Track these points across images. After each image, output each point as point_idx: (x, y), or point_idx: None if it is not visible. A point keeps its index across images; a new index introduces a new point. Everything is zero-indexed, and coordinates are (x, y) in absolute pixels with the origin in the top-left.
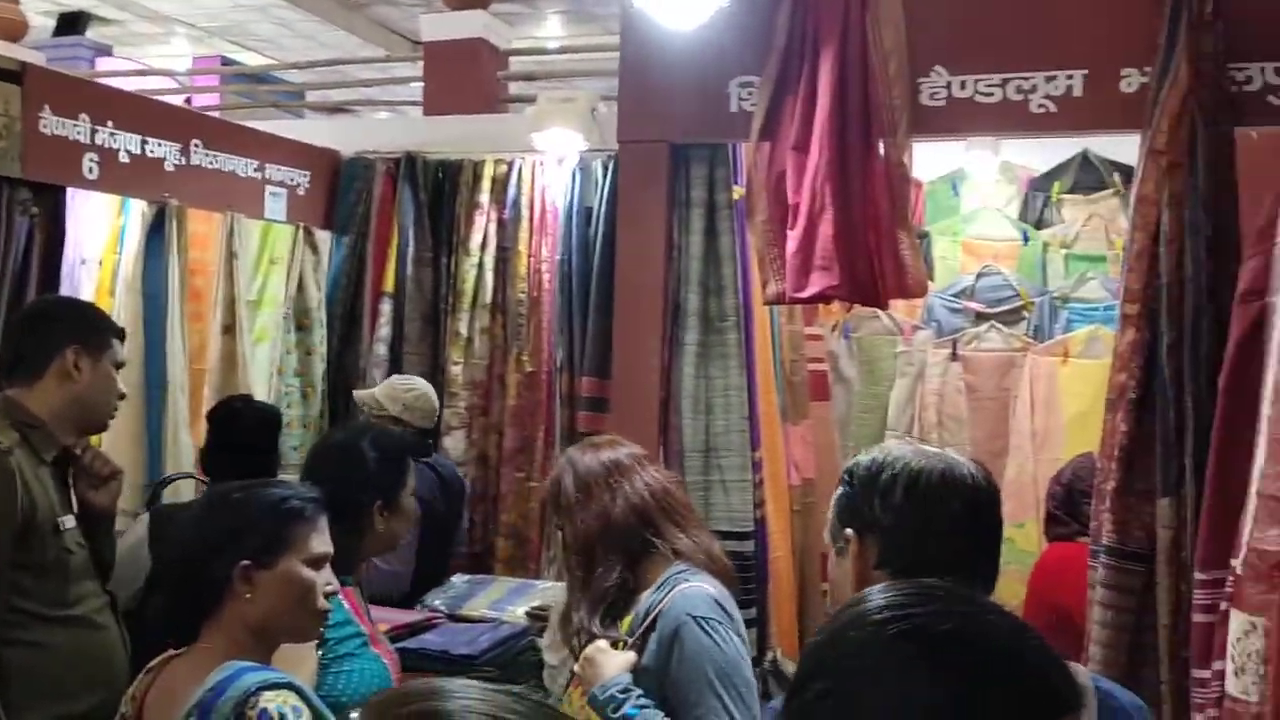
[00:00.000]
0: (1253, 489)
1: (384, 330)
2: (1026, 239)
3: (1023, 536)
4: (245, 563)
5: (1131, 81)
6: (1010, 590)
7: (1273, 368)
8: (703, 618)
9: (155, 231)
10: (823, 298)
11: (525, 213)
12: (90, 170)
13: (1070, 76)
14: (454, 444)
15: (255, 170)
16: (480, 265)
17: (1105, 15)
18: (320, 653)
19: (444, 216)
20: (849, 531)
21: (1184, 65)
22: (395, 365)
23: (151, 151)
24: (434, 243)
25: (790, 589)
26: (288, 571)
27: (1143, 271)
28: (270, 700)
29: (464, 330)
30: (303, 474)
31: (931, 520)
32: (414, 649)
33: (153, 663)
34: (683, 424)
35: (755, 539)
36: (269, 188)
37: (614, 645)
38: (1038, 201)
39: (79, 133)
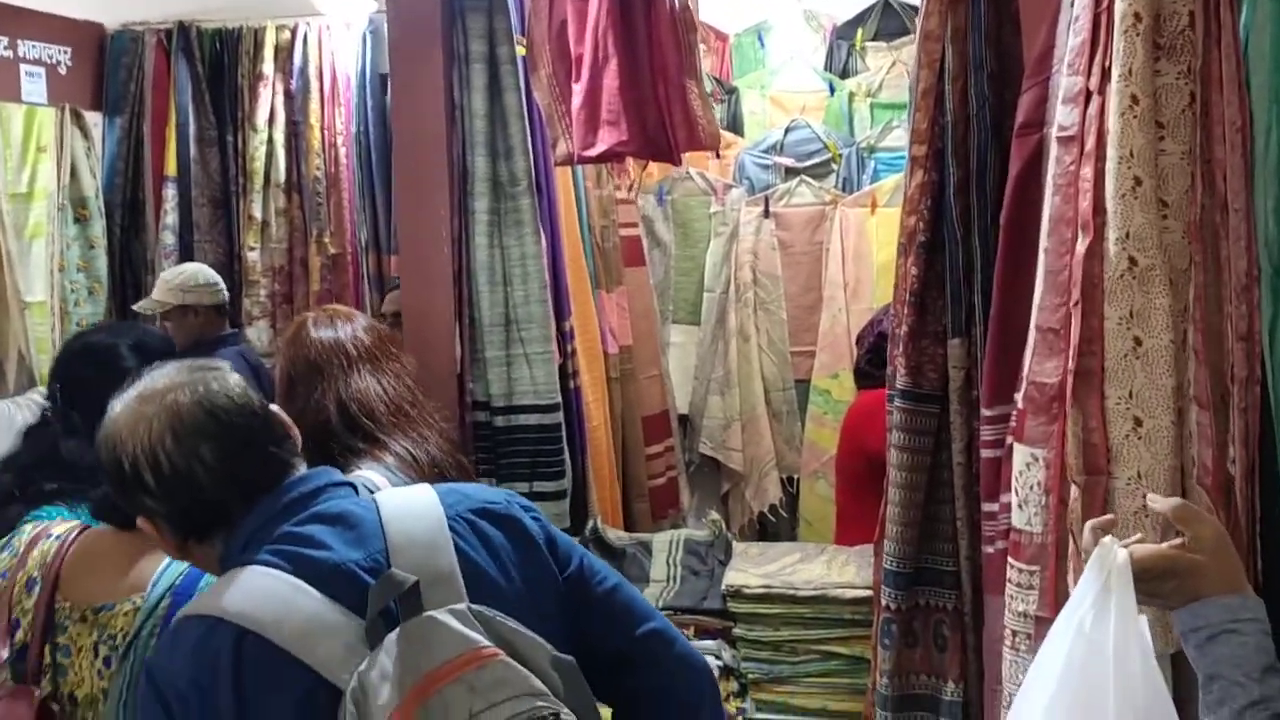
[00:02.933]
0: (1032, 323)
1: (170, 218)
2: (832, 90)
3: (838, 387)
4: None
5: None
6: (828, 440)
7: (1050, 200)
8: None
9: None
10: (613, 155)
11: (314, 83)
12: None
13: None
14: (257, 335)
15: (5, 49)
16: (270, 142)
17: None
18: None
19: (225, 90)
20: (141, 520)
21: None
22: (186, 254)
23: None
24: (217, 120)
25: (609, 457)
26: None
27: (928, 110)
28: None
29: (258, 213)
30: (52, 379)
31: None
32: None
33: (54, 532)
34: (479, 297)
35: (569, 409)
36: (25, 67)
37: None
38: (842, 51)
39: None
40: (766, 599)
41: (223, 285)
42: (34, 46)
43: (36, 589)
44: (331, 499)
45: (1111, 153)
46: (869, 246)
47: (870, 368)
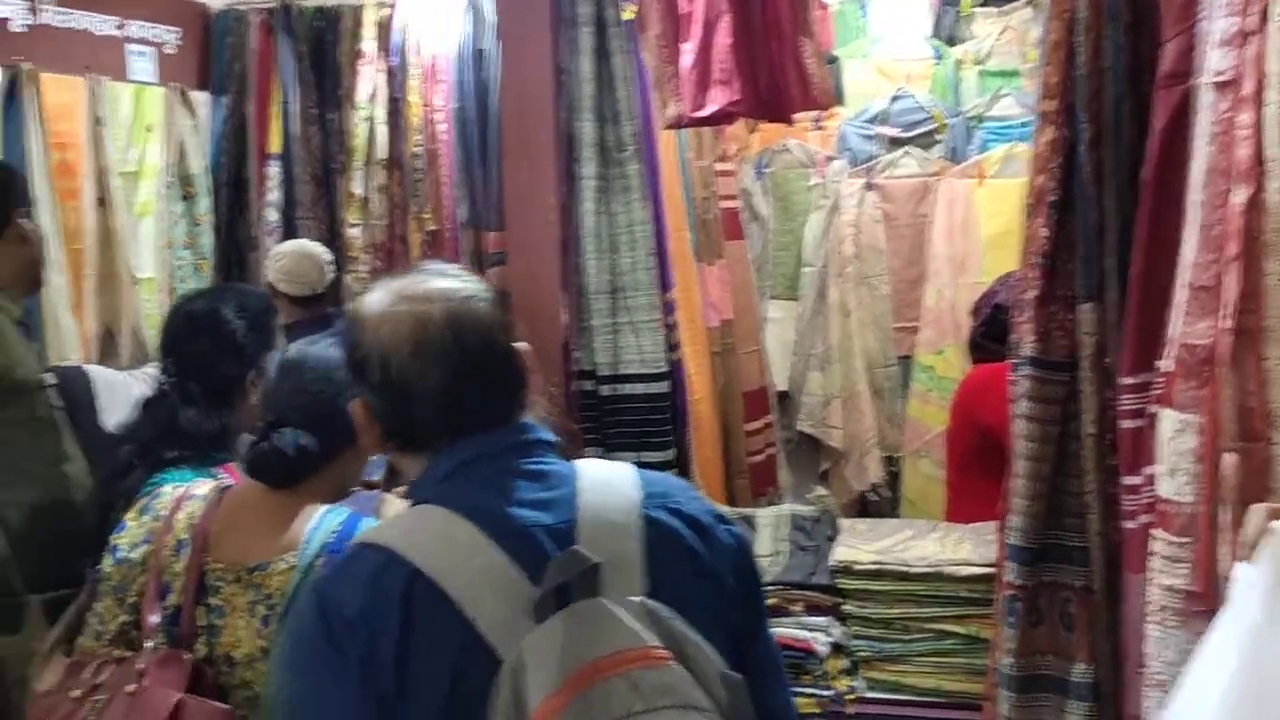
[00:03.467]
0: (1180, 282)
1: (273, 195)
2: (939, 57)
3: (943, 363)
4: None
5: None
6: (933, 417)
7: (1201, 152)
8: None
9: (9, 101)
10: (724, 115)
11: (413, 60)
12: None
13: None
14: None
15: (115, 28)
16: (371, 119)
17: None
18: None
19: (327, 69)
20: (355, 400)
21: None
22: (288, 231)
23: None
24: (319, 98)
25: (713, 431)
26: None
27: (1060, 63)
28: None
29: (359, 190)
30: (162, 348)
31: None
32: None
33: (197, 492)
34: (586, 264)
35: (671, 380)
36: (132, 46)
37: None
38: (948, 17)
39: None
40: (878, 575)
41: (324, 280)
42: (142, 26)
43: (185, 551)
44: (538, 457)
45: (1272, 96)
46: (976, 219)
47: (985, 340)
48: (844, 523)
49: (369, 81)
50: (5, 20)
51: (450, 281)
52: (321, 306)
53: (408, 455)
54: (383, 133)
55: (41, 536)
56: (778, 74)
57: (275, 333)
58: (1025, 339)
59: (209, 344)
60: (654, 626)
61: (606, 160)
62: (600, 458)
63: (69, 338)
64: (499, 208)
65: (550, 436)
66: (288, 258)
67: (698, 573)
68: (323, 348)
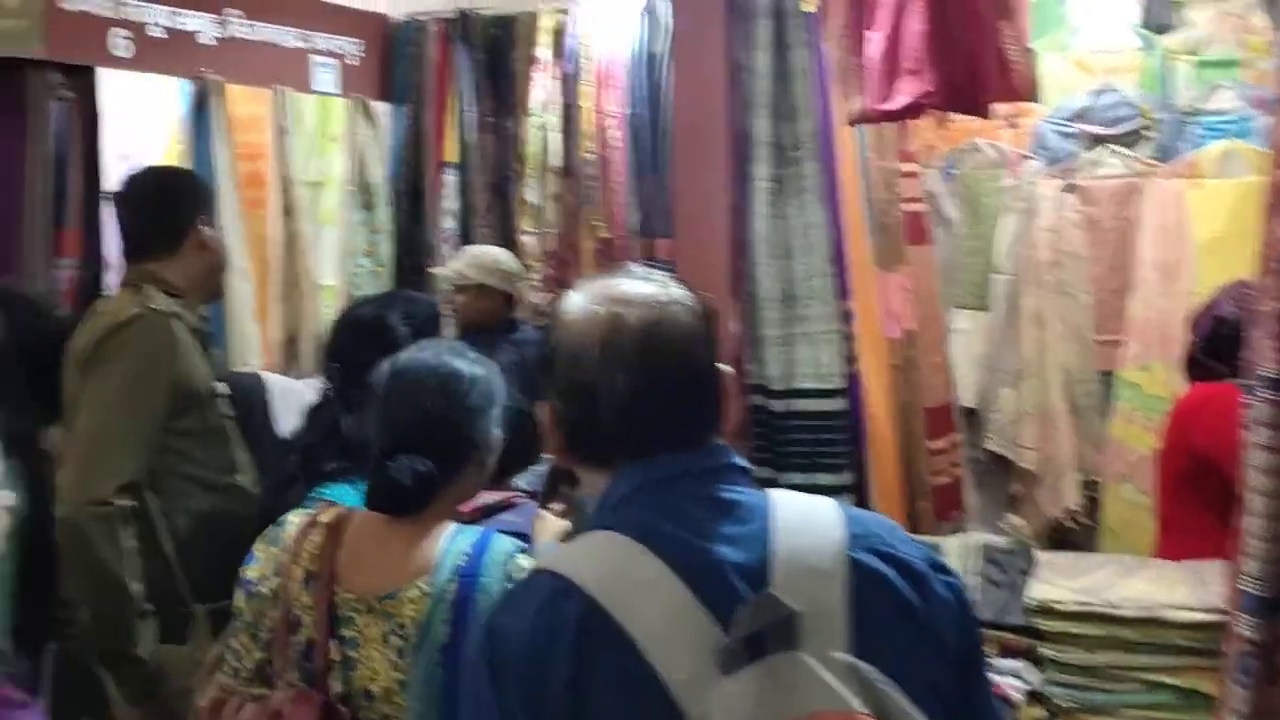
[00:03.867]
0: None
1: (449, 203)
2: (1147, 48)
3: (1149, 380)
4: (496, 430)
5: None
6: (1138, 439)
7: None
8: None
9: (198, 112)
10: (914, 108)
11: (587, 65)
12: (119, 47)
13: None
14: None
15: (300, 40)
16: (544, 126)
17: None
18: None
19: (502, 77)
20: (544, 402)
21: None
22: (465, 239)
23: (184, 25)
24: (495, 106)
25: (893, 450)
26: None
27: None
28: (527, 563)
29: (533, 197)
30: (329, 353)
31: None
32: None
33: (322, 520)
34: (758, 270)
35: (848, 397)
36: (316, 58)
37: (564, 513)
38: (1158, 4)
39: (104, 6)
40: (1081, 617)
41: (523, 275)
42: (326, 39)
43: (314, 583)
44: (729, 485)
45: None
46: (1188, 222)
47: (1205, 357)
48: (1042, 556)
49: (543, 88)
50: (194, 34)
51: (653, 287)
52: (504, 315)
53: (589, 469)
54: (556, 140)
55: (209, 547)
56: (974, 62)
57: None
58: (1265, 357)
59: (374, 351)
60: (859, 690)
61: (781, 159)
62: (770, 479)
63: (252, 344)
64: (670, 214)
65: (744, 463)
66: (491, 255)
67: (910, 629)
68: (434, 354)
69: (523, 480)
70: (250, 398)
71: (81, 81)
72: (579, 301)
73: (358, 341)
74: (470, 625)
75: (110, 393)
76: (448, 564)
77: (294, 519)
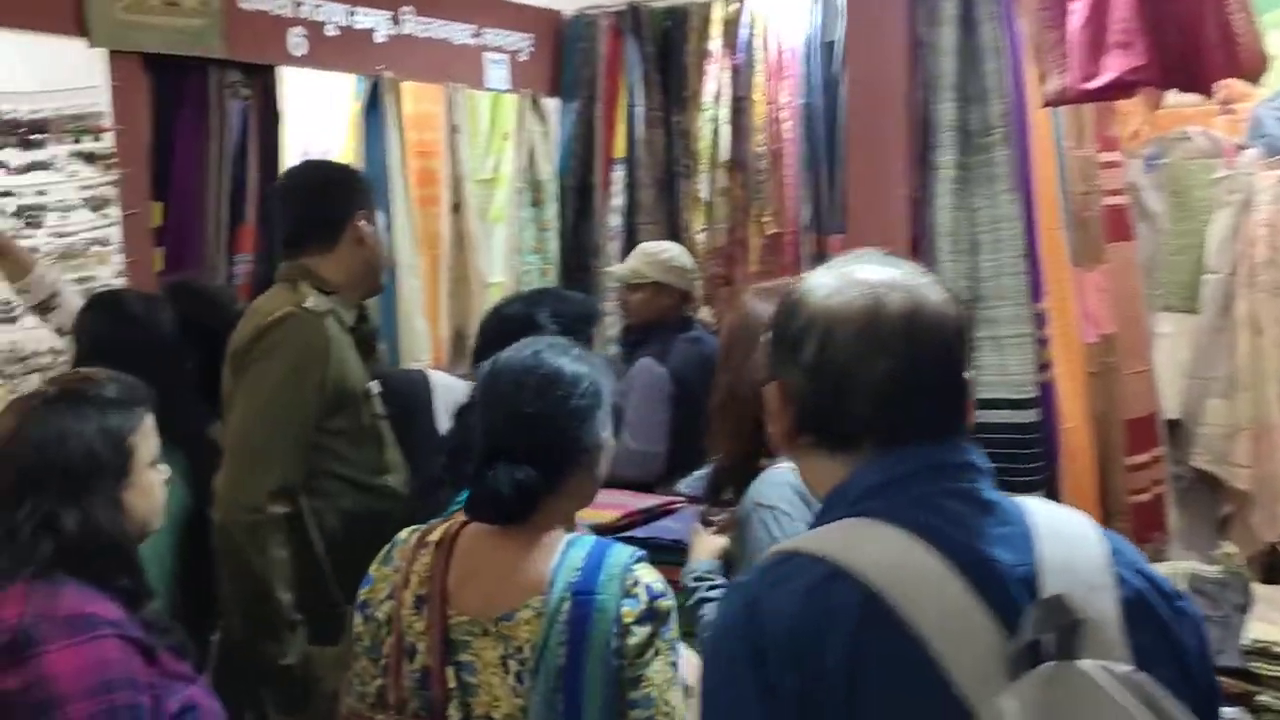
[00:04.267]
0: None
1: (617, 200)
2: None
3: None
4: (604, 432)
5: None
6: None
7: None
8: (766, 506)
9: (371, 109)
10: (1122, 86)
11: (760, 55)
12: (296, 46)
13: None
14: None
15: (472, 37)
16: (715, 119)
17: None
18: None
19: (673, 70)
20: (771, 383)
21: None
22: (630, 236)
23: (360, 22)
24: (664, 100)
25: (1090, 464)
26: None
27: None
28: (645, 574)
29: (702, 193)
30: (476, 353)
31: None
32: (644, 538)
33: (431, 539)
34: (941, 268)
35: (1040, 406)
36: (488, 55)
37: (722, 529)
38: None
39: (281, 5)
40: None
41: (698, 272)
42: (497, 34)
43: (425, 606)
44: (979, 482)
45: None
46: None
47: None
48: (1260, 590)
49: (714, 81)
50: (369, 31)
51: (904, 273)
52: (685, 314)
53: (821, 454)
54: (726, 133)
55: (359, 547)
56: (1193, 33)
57: (593, 339)
58: None
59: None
60: (1145, 704)
61: (968, 146)
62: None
63: (421, 340)
64: (844, 210)
65: (987, 463)
66: (668, 254)
67: (1167, 651)
68: (534, 353)
69: (683, 485)
70: (414, 396)
71: (260, 80)
72: (829, 281)
73: (503, 340)
74: (588, 646)
75: (261, 394)
76: (560, 580)
77: (406, 536)
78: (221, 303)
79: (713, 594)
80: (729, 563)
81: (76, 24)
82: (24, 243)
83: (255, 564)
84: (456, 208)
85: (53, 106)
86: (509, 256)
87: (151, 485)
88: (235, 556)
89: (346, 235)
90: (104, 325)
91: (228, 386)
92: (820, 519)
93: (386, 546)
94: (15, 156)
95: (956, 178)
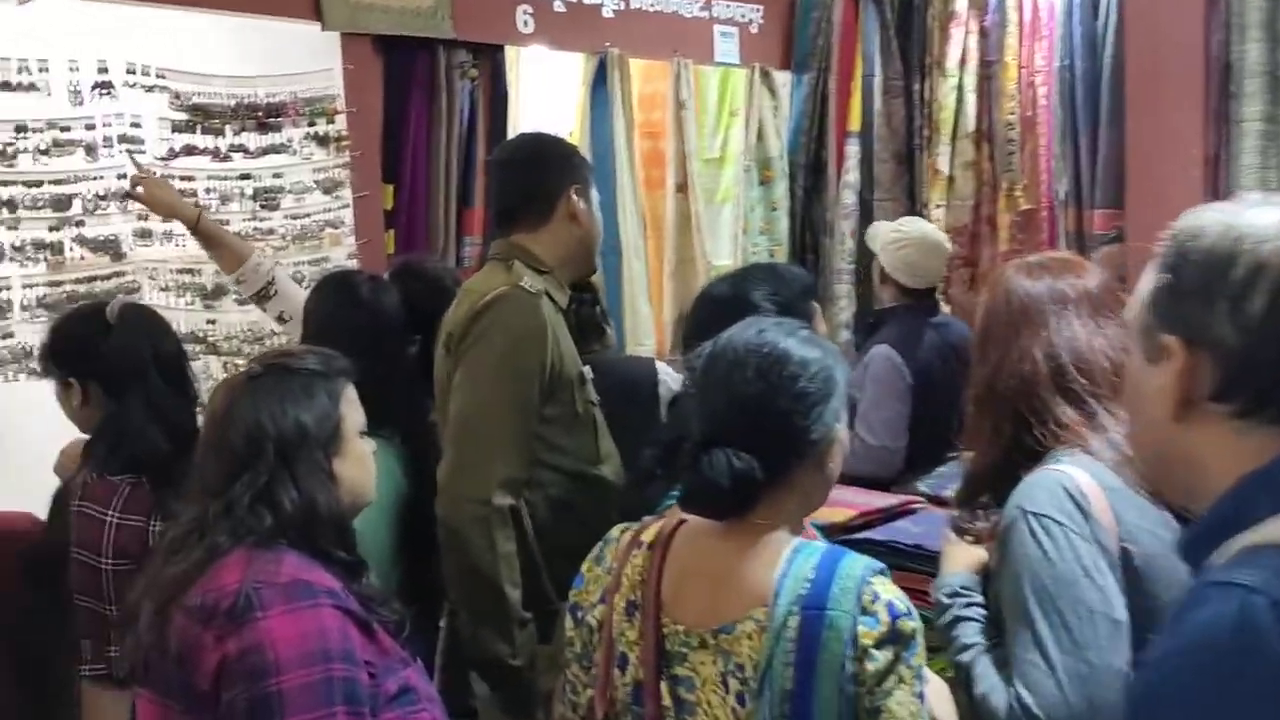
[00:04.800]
0: None
1: (851, 175)
2: None
3: None
4: (838, 424)
5: None
6: None
7: None
8: (1035, 514)
9: (598, 87)
10: None
11: (1013, 15)
12: (524, 24)
13: None
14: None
15: (702, 9)
16: (960, 87)
17: None
18: None
19: (914, 35)
20: (1170, 339)
21: None
22: (865, 213)
23: None
24: (903, 68)
25: None
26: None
27: None
28: (885, 590)
29: (944, 167)
30: (684, 339)
31: None
32: (882, 541)
33: (644, 540)
34: None
35: None
36: (718, 27)
37: (977, 539)
38: None
39: None
40: None
41: (941, 272)
42: (727, 6)
43: (638, 613)
44: None
45: None
46: None
47: None
48: None
49: (959, 45)
50: (598, 6)
51: None
52: (930, 299)
53: (1244, 427)
54: (971, 101)
55: (570, 539)
56: None
57: (812, 320)
58: None
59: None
60: None
61: (1278, 95)
62: None
63: (645, 324)
64: (1109, 181)
65: None
66: (913, 248)
67: None
68: (758, 332)
69: (923, 483)
70: (637, 384)
71: (488, 60)
72: (1273, 222)
73: (714, 323)
74: (819, 668)
75: (483, 381)
76: (786, 593)
77: (618, 535)
78: (443, 285)
79: (970, 612)
80: (987, 578)
81: (312, 8)
82: (260, 225)
83: (484, 560)
84: (681, 188)
85: (289, 90)
86: (736, 237)
87: (362, 454)
88: (461, 551)
89: (560, 211)
90: (331, 307)
91: (442, 370)
92: (1240, 506)
93: (599, 545)
94: (253, 140)
95: (1263, 133)
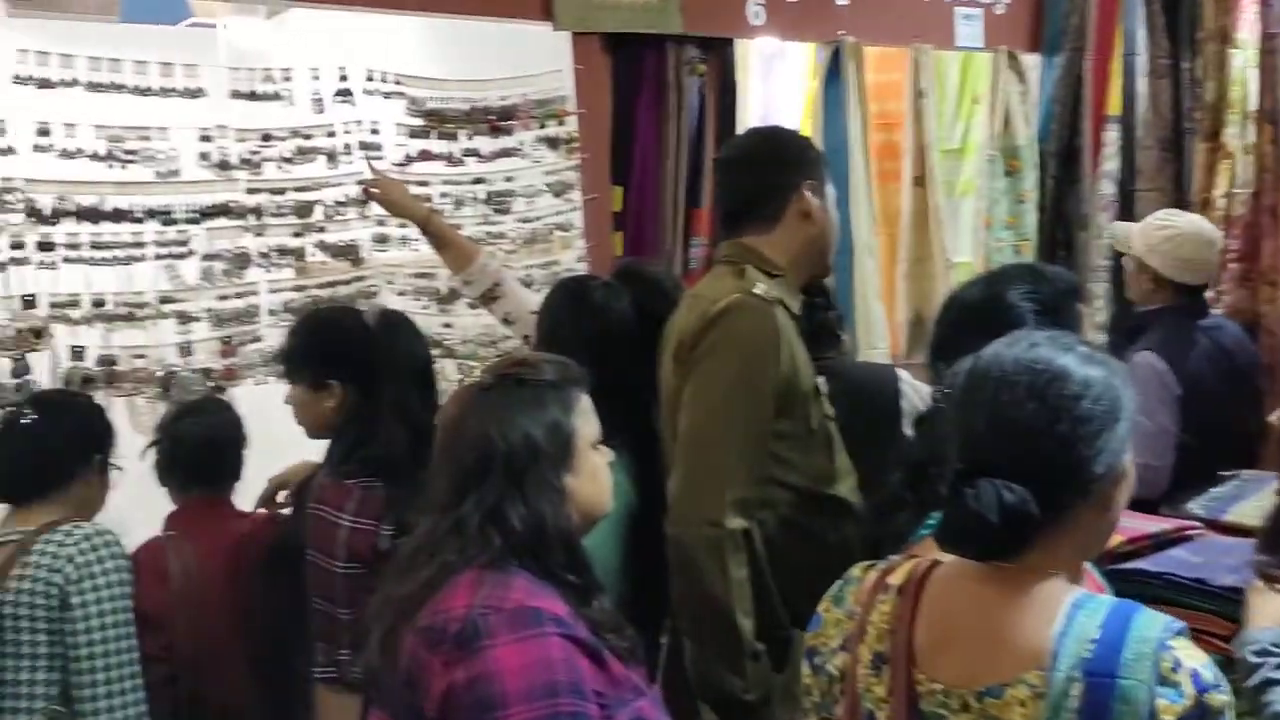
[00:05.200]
0: None
1: (1110, 164)
2: None
3: None
4: (1125, 455)
5: None
6: None
7: None
8: None
9: (831, 78)
10: None
11: None
12: (755, 15)
13: None
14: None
15: None
16: (1243, 64)
17: None
18: None
19: (1183, 7)
20: None
21: None
22: (1126, 205)
23: None
24: (1171, 46)
25: None
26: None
27: None
28: (1189, 655)
29: (1234, 148)
30: (933, 347)
31: None
32: (1156, 574)
33: (892, 582)
34: None
35: None
36: (960, 10)
37: None
38: None
39: None
40: None
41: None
42: None
43: (887, 667)
44: None
45: None
46: None
47: None
48: None
49: (1237, 16)
50: None
51: None
52: (1201, 298)
53: None
54: (1252, 79)
55: (802, 563)
56: None
57: (1077, 323)
58: None
59: (986, 342)
60: None
61: None
62: None
63: (877, 326)
64: None
65: None
66: (1188, 244)
67: None
68: (1029, 347)
69: (1196, 505)
70: (876, 395)
71: (717, 55)
72: None
73: (966, 329)
74: None
75: (716, 394)
76: (1067, 654)
77: (860, 574)
78: (664, 289)
79: None
80: None
81: (543, 9)
82: (491, 229)
83: (715, 585)
84: (919, 180)
85: (520, 93)
86: (977, 232)
87: (596, 468)
88: (691, 574)
89: (791, 209)
90: (564, 313)
91: (669, 380)
92: None
93: (838, 583)
94: (486, 144)
95: None
